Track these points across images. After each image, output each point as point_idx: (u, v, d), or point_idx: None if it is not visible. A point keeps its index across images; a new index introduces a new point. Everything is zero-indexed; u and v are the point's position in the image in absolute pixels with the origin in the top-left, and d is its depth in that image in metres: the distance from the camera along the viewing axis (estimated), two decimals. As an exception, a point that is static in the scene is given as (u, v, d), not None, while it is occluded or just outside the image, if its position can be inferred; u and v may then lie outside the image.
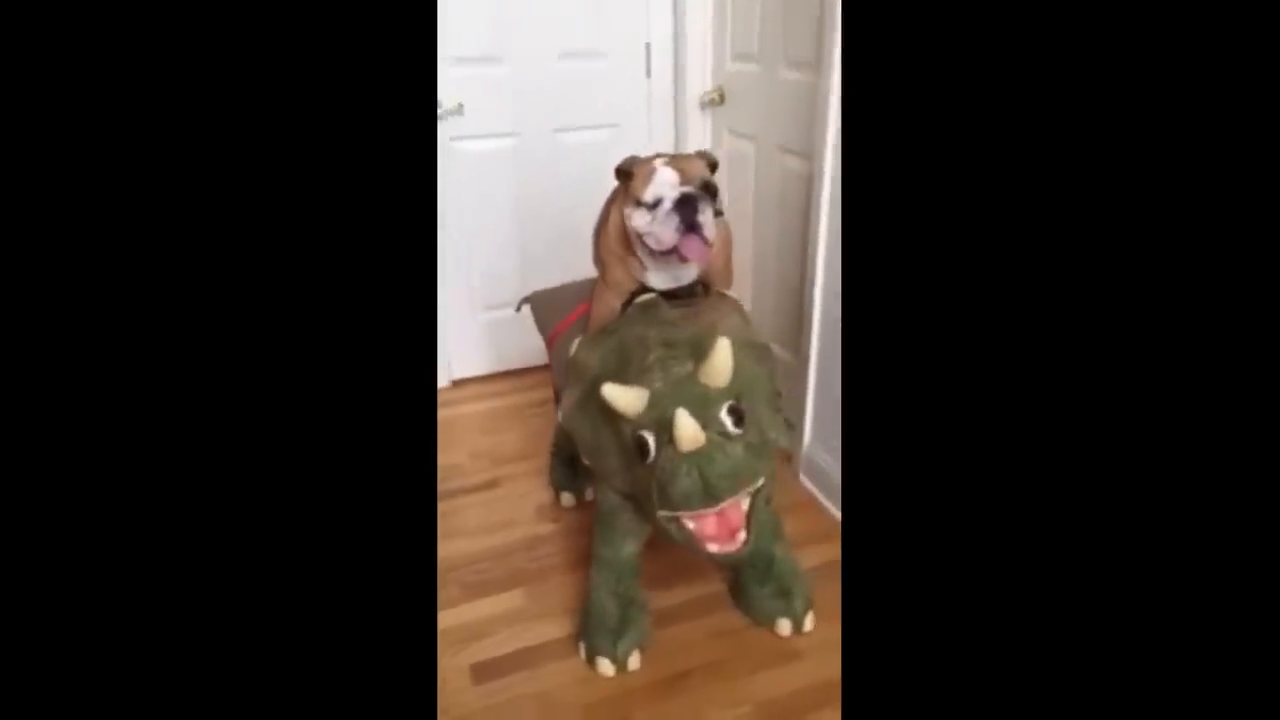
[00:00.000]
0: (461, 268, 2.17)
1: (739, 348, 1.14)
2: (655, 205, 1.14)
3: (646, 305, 1.25)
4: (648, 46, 2.09)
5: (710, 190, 1.16)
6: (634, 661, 1.30)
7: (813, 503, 1.73)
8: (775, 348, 1.97)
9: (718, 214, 1.18)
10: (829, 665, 1.30)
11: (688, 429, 0.96)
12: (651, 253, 1.20)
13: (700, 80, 2.08)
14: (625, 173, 1.21)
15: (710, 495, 0.98)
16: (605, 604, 1.29)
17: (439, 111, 1.95)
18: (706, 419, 1.01)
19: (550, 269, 2.06)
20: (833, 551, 1.57)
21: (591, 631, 1.30)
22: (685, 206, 1.13)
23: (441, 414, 2.17)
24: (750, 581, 1.37)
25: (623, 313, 1.28)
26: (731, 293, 2.20)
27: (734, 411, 1.04)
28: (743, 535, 1.02)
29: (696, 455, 0.97)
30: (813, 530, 1.63)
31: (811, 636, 1.36)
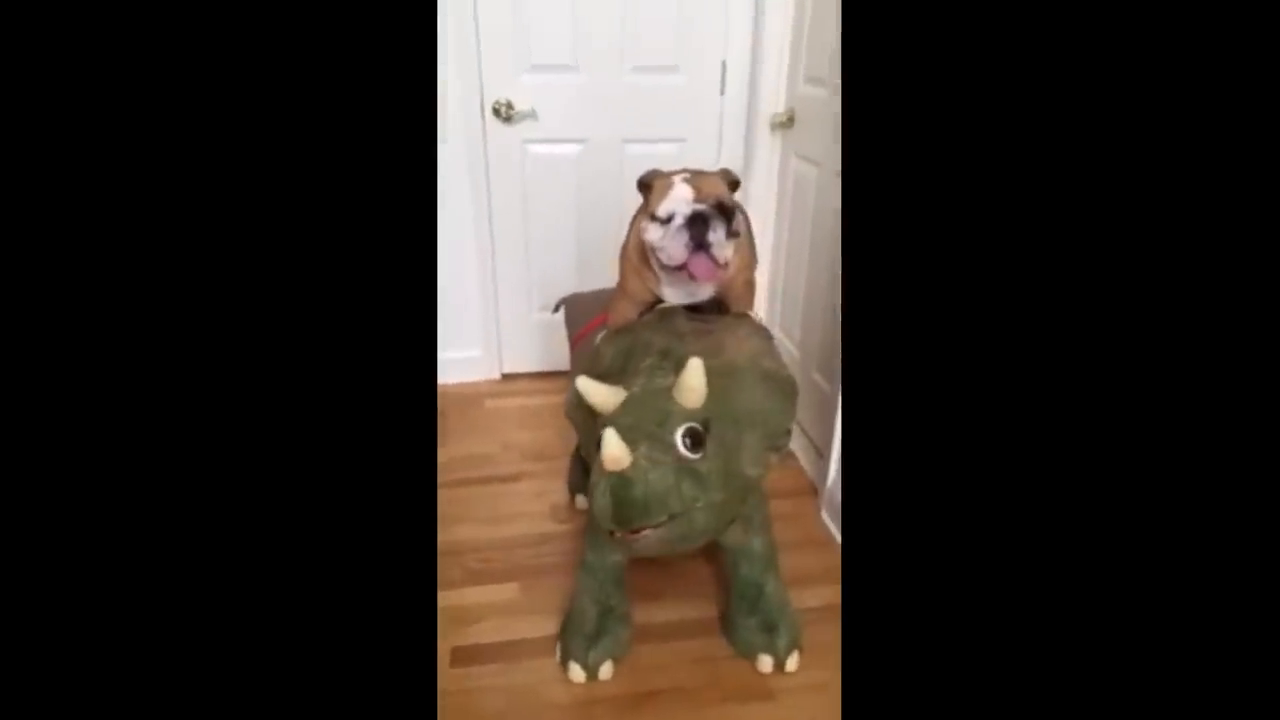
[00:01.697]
0: (520, 266, 2.24)
1: (744, 373, 1.11)
2: (668, 220, 1.15)
3: (665, 312, 1.26)
4: (724, 64, 2.09)
5: (724, 210, 1.15)
6: (605, 671, 1.29)
7: (830, 542, 1.67)
8: (819, 379, 1.92)
9: (734, 234, 1.17)
10: (802, 711, 1.25)
11: (610, 449, 0.95)
12: (664, 267, 1.20)
13: (774, 101, 2.06)
14: (645, 185, 1.21)
15: (619, 521, 0.96)
16: (585, 609, 1.30)
17: (513, 114, 2.03)
18: (656, 434, 0.99)
19: (605, 275, 2.08)
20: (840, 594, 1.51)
21: (568, 635, 1.31)
22: (696, 225, 1.12)
23: (486, 404, 2.24)
24: (737, 612, 1.34)
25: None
26: (783, 318, 2.17)
27: (692, 434, 1.01)
28: (646, 530, 0.98)
29: (616, 476, 0.96)
30: (825, 570, 1.57)
31: (793, 677, 1.31)
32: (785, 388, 1.17)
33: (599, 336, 1.30)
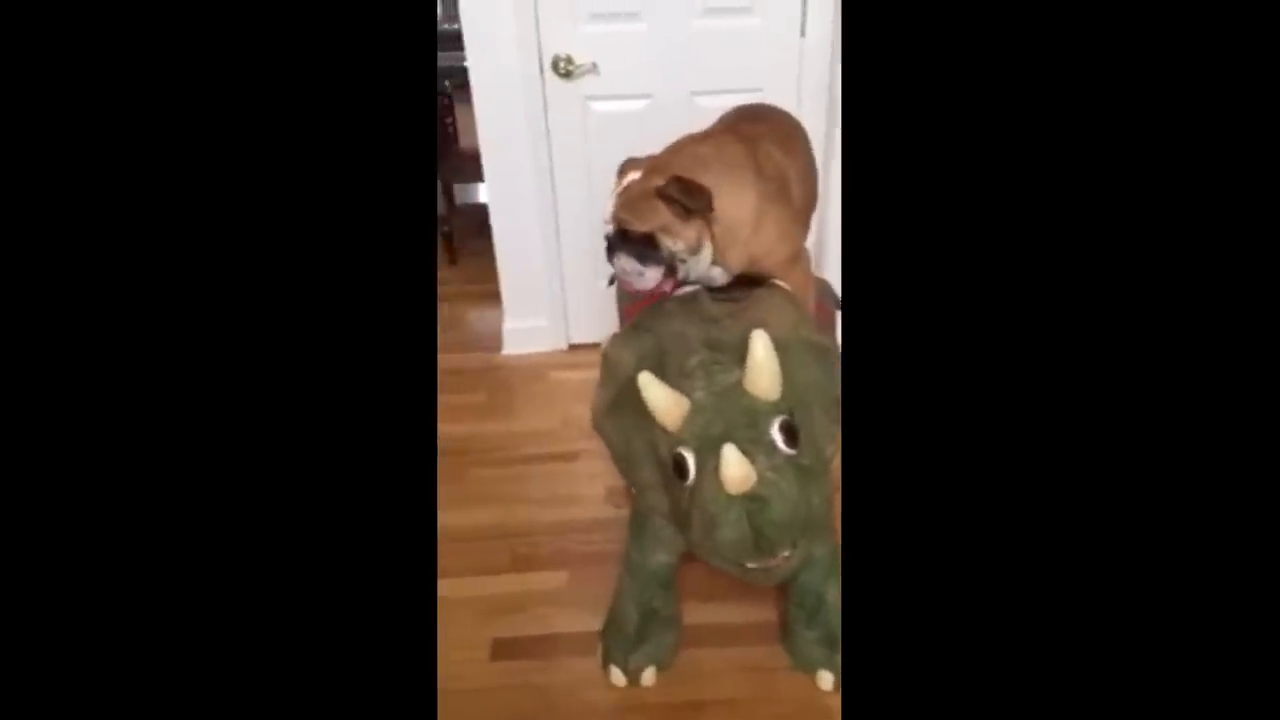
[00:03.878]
0: (585, 231, 2.13)
1: (792, 348, 0.98)
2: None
3: (686, 298, 1.11)
4: (804, 2, 1.87)
5: (631, 239, 1.02)
6: (648, 677, 1.21)
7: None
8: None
9: (656, 264, 1.03)
10: (865, 738, 1.11)
11: (736, 469, 0.81)
12: None
13: (862, 41, 1.83)
14: (620, 175, 1.14)
15: (763, 549, 0.84)
16: (627, 611, 1.21)
17: (573, 69, 1.90)
18: (756, 438, 0.87)
19: (671, 241, 1.96)
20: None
21: (609, 636, 1.23)
22: (609, 245, 1.06)
23: (551, 376, 2.18)
24: (796, 621, 1.21)
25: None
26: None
27: (787, 428, 0.88)
28: (785, 553, 0.87)
29: (747, 498, 0.83)
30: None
31: (857, 698, 1.17)
32: (830, 355, 1.05)
33: (604, 343, 1.16)
